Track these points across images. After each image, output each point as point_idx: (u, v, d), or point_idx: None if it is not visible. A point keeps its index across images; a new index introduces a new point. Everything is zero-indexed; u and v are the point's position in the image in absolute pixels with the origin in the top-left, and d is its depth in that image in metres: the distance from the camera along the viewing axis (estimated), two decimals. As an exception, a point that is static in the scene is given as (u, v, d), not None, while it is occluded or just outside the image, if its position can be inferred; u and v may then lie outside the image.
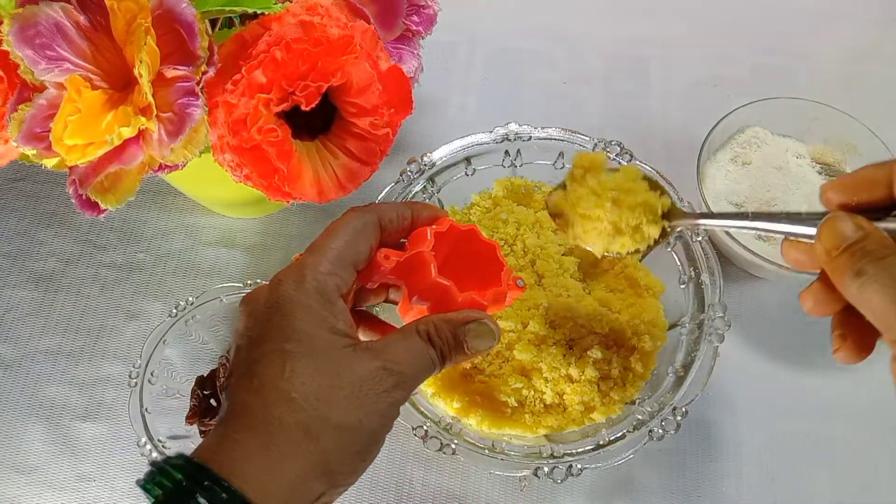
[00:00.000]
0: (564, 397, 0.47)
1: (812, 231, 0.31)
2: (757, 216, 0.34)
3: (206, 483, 0.28)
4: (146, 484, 0.29)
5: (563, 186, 0.42)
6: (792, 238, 0.33)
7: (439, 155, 0.52)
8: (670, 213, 0.40)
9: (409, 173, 0.51)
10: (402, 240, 0.38)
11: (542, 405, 0.47)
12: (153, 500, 0.28)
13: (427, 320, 0.34)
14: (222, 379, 0.52)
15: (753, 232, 0.34)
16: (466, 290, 0.36)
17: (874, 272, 0.28)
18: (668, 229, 0.40)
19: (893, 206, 0.31)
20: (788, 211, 0.32)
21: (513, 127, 0.52)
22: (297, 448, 0.29)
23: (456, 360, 0.35)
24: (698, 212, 0.40)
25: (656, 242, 0.40)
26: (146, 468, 0.29)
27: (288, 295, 0.32)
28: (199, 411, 0.51)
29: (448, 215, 0.39)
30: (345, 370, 0.31)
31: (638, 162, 0.51)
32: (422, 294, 0.36)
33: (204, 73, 0.37)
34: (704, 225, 0.39)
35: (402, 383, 0.32)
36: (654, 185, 0.40)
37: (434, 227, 0.37)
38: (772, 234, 0.34)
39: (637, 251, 0.41)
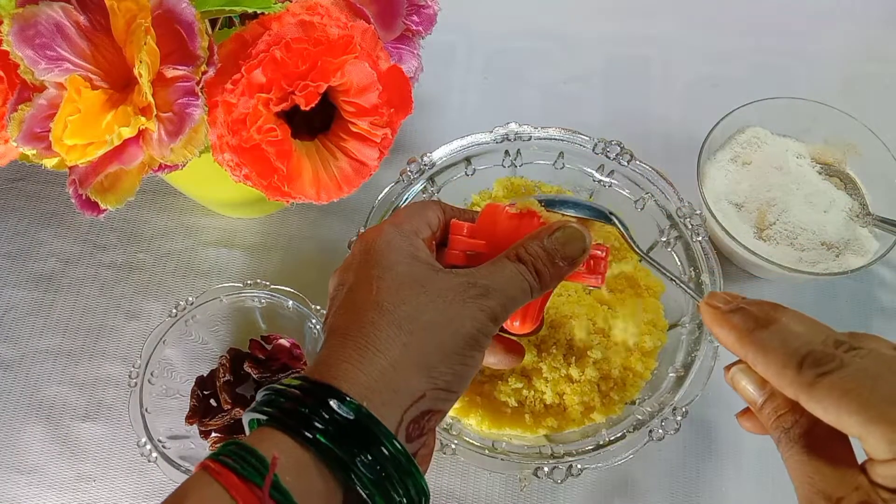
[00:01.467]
0: (564, 397, 0.47)
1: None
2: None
3: (303, 387, 0.29)
4: (258, 411, 0.30)
5: None
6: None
7: (439, 155, 0.52)
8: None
9: (409, 173, 0.51)
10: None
11: (543, 405, 0.47)
12: (262, 422, 0.29)
13: (514, 244, 0.35)
14: (222, 380, 0.52)
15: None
16: None
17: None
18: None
19: None
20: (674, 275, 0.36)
21: (513, 127, 0.52)
22: (391, 342, 0.30)
23: (553, 278, 0.34)
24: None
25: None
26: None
27: (371, 238, 0.35)
28: (199, 411, 0.51)
29: None
30: (429, 283, 0.32)
31: (638, 161, 0.51)
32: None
33: (204, 72, 0.37)
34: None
35: (492, 293, 0.32)
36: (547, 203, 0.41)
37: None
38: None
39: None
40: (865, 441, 0.26)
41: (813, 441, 0.29)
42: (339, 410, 0.28)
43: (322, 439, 0.28)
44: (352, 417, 0.28)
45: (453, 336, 0.31)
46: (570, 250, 0.34)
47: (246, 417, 0.30)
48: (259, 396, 0.30)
